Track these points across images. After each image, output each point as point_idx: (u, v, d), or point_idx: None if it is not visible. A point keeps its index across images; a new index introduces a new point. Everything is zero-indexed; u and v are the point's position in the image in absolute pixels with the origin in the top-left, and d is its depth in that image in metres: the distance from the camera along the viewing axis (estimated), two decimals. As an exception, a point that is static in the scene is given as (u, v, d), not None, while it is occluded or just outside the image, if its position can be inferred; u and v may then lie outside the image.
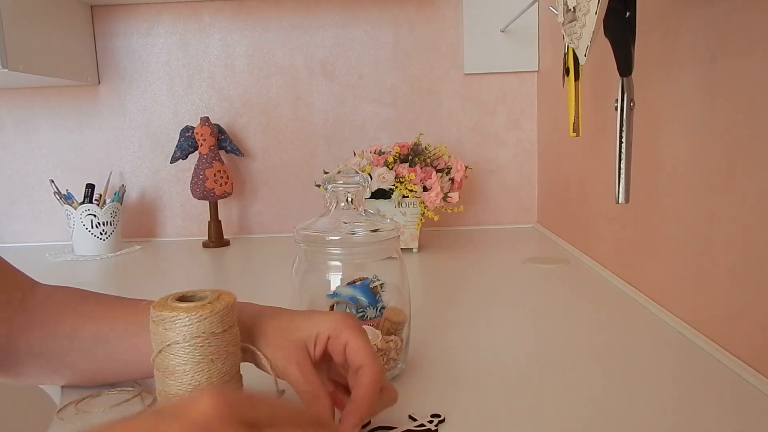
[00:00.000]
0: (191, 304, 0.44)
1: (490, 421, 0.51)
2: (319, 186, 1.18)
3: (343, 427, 0.44)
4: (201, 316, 0.43)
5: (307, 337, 0.48)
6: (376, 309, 0.60)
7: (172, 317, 0.43)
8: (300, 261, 0.62)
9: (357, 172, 0.60)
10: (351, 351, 0.47)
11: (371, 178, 1.13)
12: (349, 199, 0.60)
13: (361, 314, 0.60)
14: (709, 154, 0.65)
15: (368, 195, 1.14)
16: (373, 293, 0.61)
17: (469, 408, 0.54)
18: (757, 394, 0.54)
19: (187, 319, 0.43)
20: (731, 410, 0.52)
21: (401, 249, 1.17)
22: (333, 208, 0.61)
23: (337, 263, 0.60)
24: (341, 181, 0.60)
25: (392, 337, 0.59)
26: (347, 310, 0.61)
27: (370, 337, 0.57)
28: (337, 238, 0.58)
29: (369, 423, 0.51)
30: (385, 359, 0.58)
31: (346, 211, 0.60)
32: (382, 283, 0.61)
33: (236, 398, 0.29)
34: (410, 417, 0.52)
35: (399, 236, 0.62)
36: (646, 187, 0.79)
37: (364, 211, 0.61)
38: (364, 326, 0.59)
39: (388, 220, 0.62)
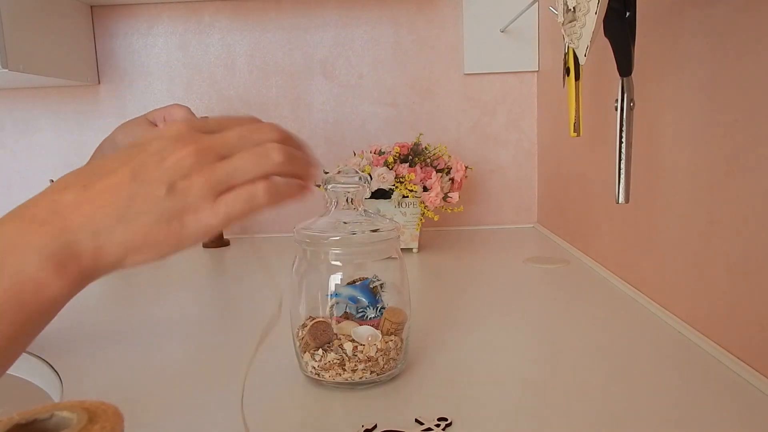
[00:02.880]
0: None
1: (496, 424, 0.51)
2: (319, 186, 1.18)
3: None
4: None
5: (154, 117, 0.67)
6: (376, 309, 0.61)
7: None
8: (300, 261, 0.62)
9: (357, 172, 0.60)
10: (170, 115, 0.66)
11: (371, 178, 1.13)
12: (349, 199, 0.60)
13: (361, 314, 0.60)
14: (709, 154, 0.65)
15: (368, 195, 1.14)
16: (373, 293, 0.61)
17: (474, 410, 0.54)
18: (756, 394, 0.54)
19: None
20: (731, 410, 0.52)
21: (401, 249, 1.17)
22: (333, 208, 0.61)
23: (337, 263, 0.60)
24: (341, 181, 0.60)
25: (392, 337, 0.59)
26: (347, 310, 0.61)
27: (369, 338, 0.57)
28: (337, 238, 0.58)
29: (375, 427, 0.50)
30: (385, 359, 0.58)
31: (346, 211, 0.60)
32: (382, 283, 0.61)
33: (194, 121, 0.38)
34: (417, 421, 0.51)
35: (399, 236, 0.62)
36: (646, 187, 0.79)
37: (364, 211, 0.61)
38: (364, 326, 0.59)
39: (388, 220, 0.62)
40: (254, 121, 0.39)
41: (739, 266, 0.60)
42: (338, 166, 1.21)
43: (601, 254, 0.99)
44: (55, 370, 0.66)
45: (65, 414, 0.27)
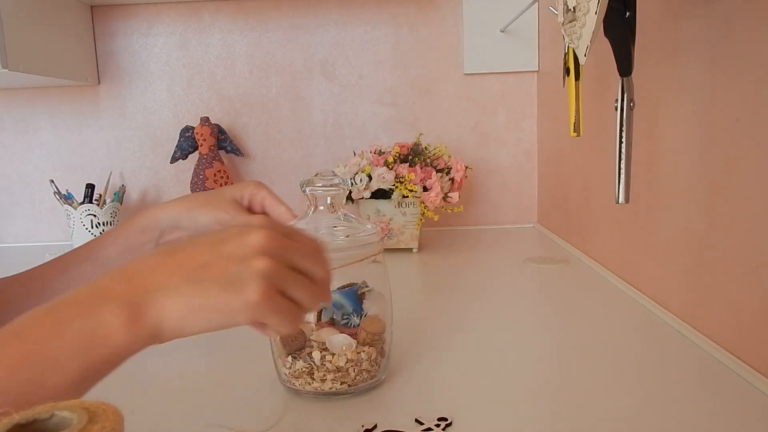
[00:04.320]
0: None
1: (496, 424, 0.51)
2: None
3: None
4: None
5: (235, 196, 0.61)
6: (361, 316, 0.58)
7: None
8: None
9: (335, 175, 0.58)
10: (268, 204, 0.62)
11: (370, 179, 1.13)
12: (329, 202, 0.58)
13: (345, 321, 0.59)
14: (709, 153, 0.65)
15: (368, 195, 1.14)
16: (360, 300, 0.59)
17: (474, 410, 0.54)
18: (757, 394, 0.54)
19: None
20: (731, 410, 0.52)
21: (401, 249, 1.17)
22: (311, 212, 0.58)
23: None
24: (320, 184, 0.57)
25: (365, 348, 0.57)
26: (333, 316, 0.59)
27: (344, 347, 0.55)
28: None
29: (375, 427, 0.50)
30: (356, 370, 0.56)
31: (325, 215, 0.58)
32: (371, 290, 0.59)
33: (275, 221, 0.42)
34: (417, 421, 0.51)
35: (381, 240, 0.59)
36: (646, 187, 0.79)
37: (344, 215, 0.59)
38: (341, 335, 0.56)
39: (370, 225, 0.59)
40: (317, 248, 0.44)
41: (738, 266, 0.60)
42: (338, 166, 1.21)
43: (601, 254, 0.99)
44: (55, 370, 0.66)
45: (65, 414, 0.27)
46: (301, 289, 0.40)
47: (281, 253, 0.39)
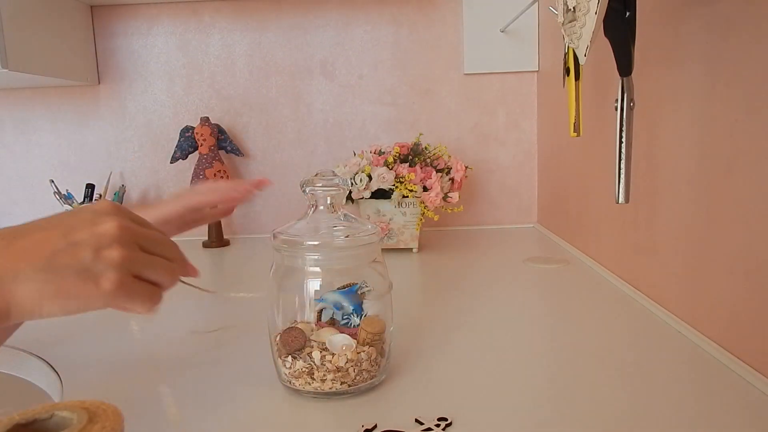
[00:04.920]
0: None
1: (496, 424, 0.51)
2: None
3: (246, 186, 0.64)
4: None
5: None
6: (361, 316, 0.58)
7: None
8: (277, 265, 0.59)
9: (335, 175, 0.58)
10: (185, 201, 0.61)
11: (370, 179, 1.13)
12: (329, 202, 0.58)
13: (345, 321, 0.59)
14: (709, 154, 0.65)
15: (368, 195, 1.14)
16: (360, 300, 0.59)
17: (474, 410, 0.54)
18: (756, 394, 0.54)
19: None
20: (731, 409, 0.52)
21: (401, 249, 1.17)
22: (311, 212, 0.58)
23: (315, 268, 0.58)
24: (320, 184, 0.57)
25: (365, 348, 0.57)
26: (333, 316, 0.59)
27: (344, 347, 0.55)
28: (315, 243, 0.56)
29: (375, 427, 0.50)
30: (356, 370, 0.56)
31: (325, 215, 0.58)
32: (371, 290, 0.59)
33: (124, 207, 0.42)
34: (417, 421, 0.51)
35: (380, 240, 0.59)
36: (646, 187, 0.79)
37: (344, 215, 0.59)
38: (341, 335, 0.56)
39: (370, 225, 0.59)
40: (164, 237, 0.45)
41: (739, 266, 0.60)
42: (338, 166, 1.21)
43: (601, 254, 0.99)
44: (55, 370, 0.66)
45: (65, 414, 0.27)
46: (157, 269, 0.41)
47: (133, 240, 0.40)
